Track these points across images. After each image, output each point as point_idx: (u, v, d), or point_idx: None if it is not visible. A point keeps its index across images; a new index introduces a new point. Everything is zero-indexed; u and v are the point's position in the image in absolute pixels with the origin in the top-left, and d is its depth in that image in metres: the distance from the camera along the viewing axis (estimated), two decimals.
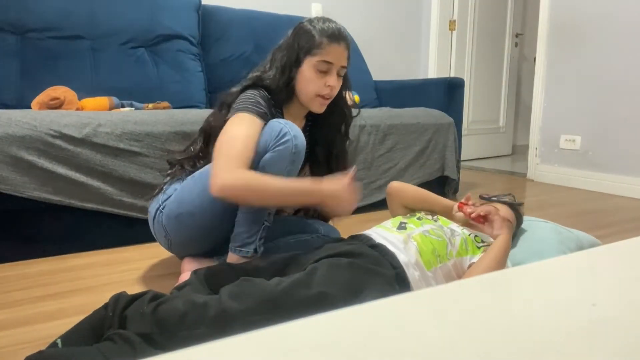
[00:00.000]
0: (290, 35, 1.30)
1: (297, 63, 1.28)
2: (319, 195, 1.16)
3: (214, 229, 1.25)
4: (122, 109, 1.85)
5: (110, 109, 1.86)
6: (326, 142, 1.45)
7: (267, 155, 1.17)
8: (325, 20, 1.30)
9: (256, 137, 1.18)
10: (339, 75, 1.31)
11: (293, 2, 3.04)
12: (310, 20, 1.30)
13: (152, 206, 1.32)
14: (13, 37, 1.97)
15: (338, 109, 1.41)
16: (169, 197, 1.27)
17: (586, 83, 2.80)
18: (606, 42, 2.69)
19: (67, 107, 1.76)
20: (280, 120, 1.22)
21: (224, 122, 1.22)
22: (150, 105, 1.98)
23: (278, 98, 1.30)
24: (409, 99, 2.68)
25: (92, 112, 1.62)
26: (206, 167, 1.26)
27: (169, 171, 1.35)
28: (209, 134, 1.30)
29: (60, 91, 1.79)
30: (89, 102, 1.85)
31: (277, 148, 1.17)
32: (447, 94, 2.54)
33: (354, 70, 2.94)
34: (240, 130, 1.17)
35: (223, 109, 1.28)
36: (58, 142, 1.45)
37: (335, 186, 1.17)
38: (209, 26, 2.50)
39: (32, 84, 1.92)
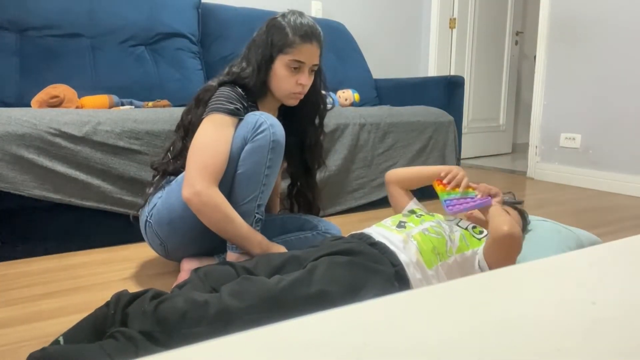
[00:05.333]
0: (263, 31, 1.31)
1: (270, 60, 1.29)
2: (259, 251, 1.20)
3: (207, 230, 1.24)
4: (121, 107, 1.85)
5: (110, 107, 1.86)
6: (298, 133, 1.46)
7: (247, 147, 1.19)
8: (298, 15, 1.30)
9: (229, 138, 1.20)
10: (311, 71, 1.33)
11: (293, 0, 3.02)
12: (284, 15, 1.30)
13: (141, 219, 1.32)
14: (13, 35, 1.97)
15: (310, 101, 1.41)
16: (155, 205, 1.27)
17: (586, 81, 2.80)
18: (607, 40, 2.69)
19: (66, 105, 1.76)
20: (256, 112, 1.24)
21: (201, 119, 1.23)
22: (150, 104, 1.97)
23: (253, 94, 1.31)
24: (409, 97, 2.68)
25: (92, 110, 1.62)
26: None
27: (153, 180, 1.35)
28: (188, 130, 1.30)
29: (60, 89, 1.79)
30: (89, 100, 1.85)
31: (255, 138, 1.19)
32: (447, 92, 2.53)
33: (354, 68, 2.95)
34: (212, 135, 1.19)
35: (200, 106, 1.28)
36: (58, 140, 1.45)
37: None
38: (209, 24, 2.50)
39: (32, 82, 1.92)
